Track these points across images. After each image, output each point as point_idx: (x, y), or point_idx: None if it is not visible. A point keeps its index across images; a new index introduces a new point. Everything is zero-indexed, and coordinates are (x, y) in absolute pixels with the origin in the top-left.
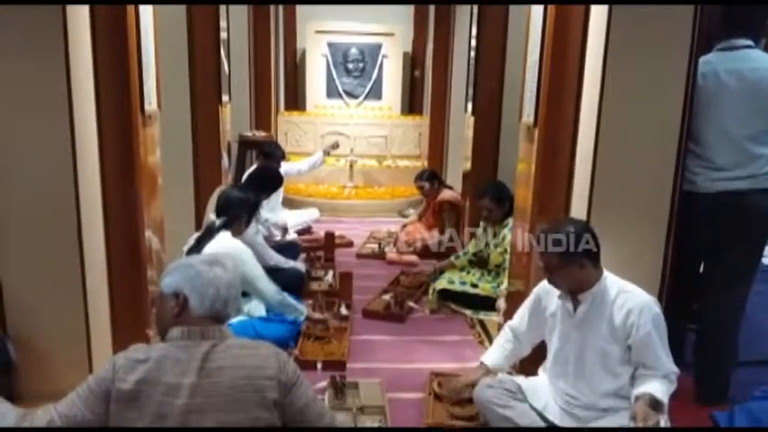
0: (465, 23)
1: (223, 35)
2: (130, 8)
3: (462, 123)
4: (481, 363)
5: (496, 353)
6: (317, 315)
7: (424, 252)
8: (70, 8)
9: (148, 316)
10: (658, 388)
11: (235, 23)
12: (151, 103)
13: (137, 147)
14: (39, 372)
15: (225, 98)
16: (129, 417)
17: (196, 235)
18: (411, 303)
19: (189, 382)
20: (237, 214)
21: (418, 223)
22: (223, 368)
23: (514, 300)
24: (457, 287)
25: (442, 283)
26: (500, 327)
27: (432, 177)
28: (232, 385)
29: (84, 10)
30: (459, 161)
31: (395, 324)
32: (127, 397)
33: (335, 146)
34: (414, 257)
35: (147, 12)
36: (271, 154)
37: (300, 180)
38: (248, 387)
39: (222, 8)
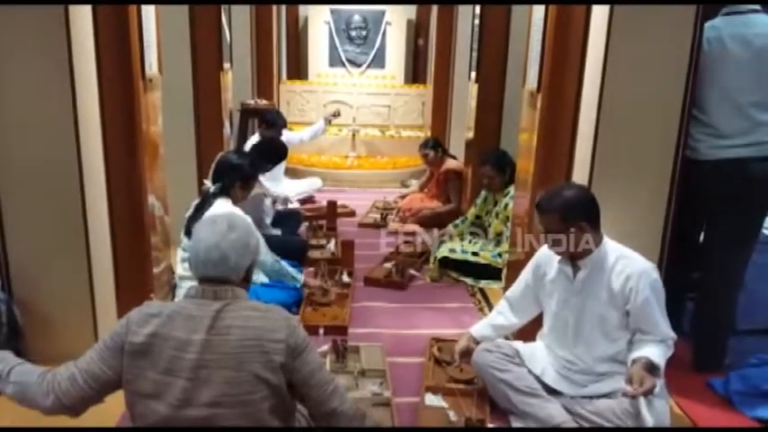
0: None
1: None
2: None
3: (466, 92)
4: (468, 332)
5: (485, 323)
6: (315, 282)
7: (425, 221)
8: None
9: (152, 280)
10: (655, 352)
11: None
12: (152, 67)
13: (138, 112)
14: (44, 335)
15: (226, 65)
16: (140, 369)
17: (196, 201)
18: (412, 271)
19: (199, 338)
20: (232, 181)
21: (419, 193)
22: (232, 327)
23: (515, 269)
24: (458, 255)
25: (443, 252)
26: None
27: (436, 145)
28: (239, 344)
29: None
30: (462, 131)
31: (396, 291)
32: (138, 349)
33: (337, 114)
34: (415, 227)
35: None
36: (272, 122)
37: (303, 149)
38: (256, 347)
39: None
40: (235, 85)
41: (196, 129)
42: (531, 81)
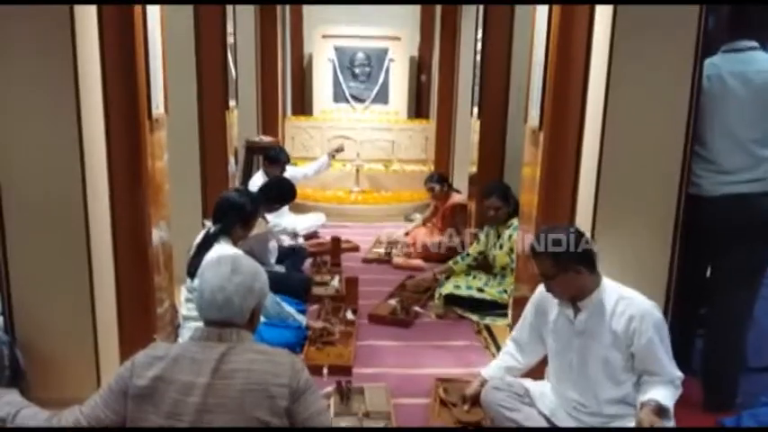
0: (471, 27)
1: (230, 40)
2: (138, 12)
3: (468, 127)
4: (480, 376)
5: (497, 365)
6: (317, 324)
7: (430, 256)
8: (78, 12)
9: (155, 321)
10: (663, 394)
11: (242, 28)
12: (158, 107)
13: (144, 152)
14: (46, 377)
15: (232, 103)
16: (144, 412)
17: (198, 240)
18: (417, 308)
19: (203, 381)
20: (232, 221)
21: (423, 228)
22: (237, 371)
23: (521, 305)
24: (463, 292)
25: (447, 288)
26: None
27: (441, 180)
28: (244, 389)
29: (92, 14)
30: (465, 165)
31: (401, 329)
32: (142, 393)
33: (340, 149)
34: (420, 262)
35: (154, 16)
36: (275, 159)
37: (307, 185)
38: (260, 392)
39: (230, 12)
40: (240, 122)
41: (201, 166)
42: (533, 119)
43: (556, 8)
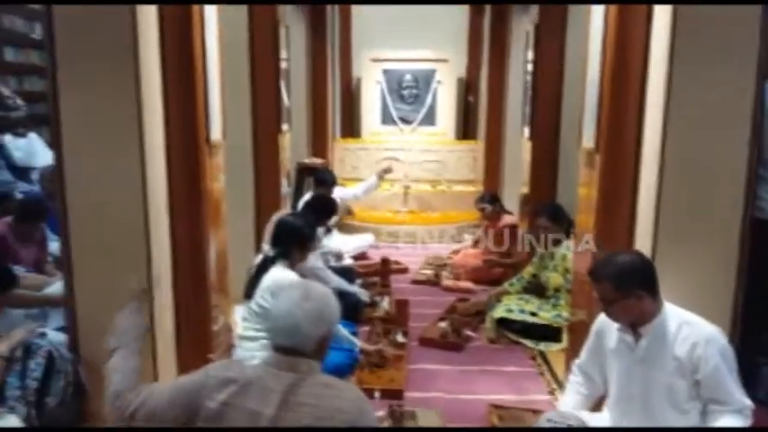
0: (520, 47)
1: (283, 65)
2: (198, 42)
3: (518, 147)
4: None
5: (572, 399)
6: (370, 347)
7: (480, 278)
8: (142, 44)
9: (212, 340)
10: (733, 424)
11: (294, 54)
12: (216, 133)
13: (203, 176)
14: (106, 395)
15: (284, 127)
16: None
17: (257, 262)
18: (468, 332)
19: (270, 413)
20: (290, 245)
21: (472, 249)
22: (304, 405)
23: (578, 330)
24: (515, 315)
25: (499, 312)
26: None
27: (493, 200)
28: (310, 424)
29: (155, 44)
30: (515, 185)
31: (452, 353)
32: (213, 415)
33: (389, 170)
34: (470, 284)
35: (213, 45)
36: (322, 181)
37: (355, 205)
38: (326, 429)
39: (283, 38)
40: (292, 145)
41: (255, 188)
42: (588, 140)
43: (611, 27)
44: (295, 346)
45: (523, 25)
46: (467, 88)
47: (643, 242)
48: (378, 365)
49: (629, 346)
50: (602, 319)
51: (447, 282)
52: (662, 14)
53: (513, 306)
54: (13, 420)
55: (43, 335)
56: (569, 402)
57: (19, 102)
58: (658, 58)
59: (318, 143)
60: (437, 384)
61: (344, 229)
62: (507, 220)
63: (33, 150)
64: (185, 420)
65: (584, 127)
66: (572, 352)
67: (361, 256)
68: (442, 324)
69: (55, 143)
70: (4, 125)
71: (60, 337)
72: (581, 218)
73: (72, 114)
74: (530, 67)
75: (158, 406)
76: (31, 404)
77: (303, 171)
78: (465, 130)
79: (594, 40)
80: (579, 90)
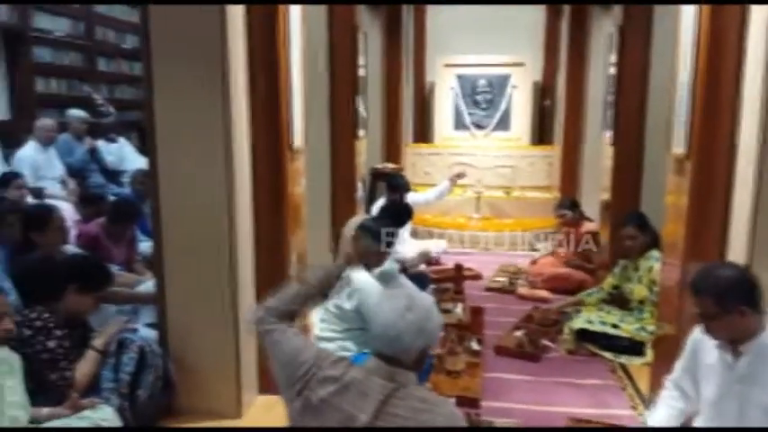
0: (601, 49)
1: (360, 72)
2: (282, 49)
3: (598, 152)
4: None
5: (665, 413)
6: (438, 350)
7: (557, 287)
8: (231, 56)
9: None
10: None
11: (371, 61)
12: (298, 140)
13: (285, 180)
14: (192, 390)
15: (361, 132)
16: (306, 422)
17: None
18: (545, 341)
19: (364, 418)
20: (366, 252)
21: (550, 257)
22: (398, 416)
23: (664, 345)
24: (596, 327)
25: (578, 323)
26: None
27: (573, 206)
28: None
29: (242, 58)
30: (594, 192)
31: (528, 363)
32: (312, 408)
33: (461, 175)
34: (546, 293)
35: (296, 53)
36: (395, 186)
37: (428, 211)
38: None
39: (361, 45)
40: (367, 150)
41: (331, 193)
42: (677, 145)
43: (704, 28)
44: (395, 356)
45: (605, 27)
46: (543, 92)
47: (736, 254)
48: (452, 372)
49: (728, 363)
50: (697, 333)
51: (522, 290)
52: (758, 14)
53: (594, 317)
54: (108, 411)
55: (135, 330)
56: (662, 417)
57: (110, 109)
58: (754, 60)
59: (391, 148)
60: (513, 395)
61: (416, 234)
62: (588, 226)
63: (123, 155)
64: (289, 373)
65: (672, 132)
66: (657, 367)
67: (433, 262)
68: (518, 333)
69: (150, 148)
70: (97, 131)
71: (150, 333)
72: (669, 227)
73: (165, 120)
74: (612, 69)
75: (290, 342)
76: (124, 396)
77: (376, 176)
78: (540, 134)
79: (684, 41)
80: (666, 93)
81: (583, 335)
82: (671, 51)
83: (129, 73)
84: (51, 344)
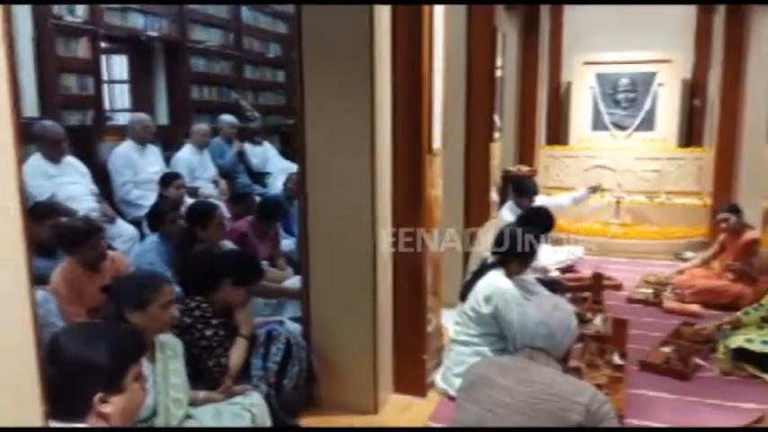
0: (759, 47)
1: (498, 73)
2: (427, 57)
3: (759, 156)
4: None
5: None
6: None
7: (708, 302)
8: (378, 64)
9: (425, 342)
10: None
11: (508, 61)
12: (437, 142)
13: (424, 183)
14: (333, 383)
15: (496, 135)
16: (462, 399)
17: (473, 267)
18: (697, 360)
19: (504, 383)
20: (511, 255)
21: (701, 268)
22: (536, 382)
23: None
24: (756, 347)
25: (737, 341)
26: None
27: (735, 211)
28: (539, 397)
29: (387, 64)
30: (755, 199)
31: (677, 382)
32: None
33: (598, 188)
34: (697, 307)
35: (438, 56)
36: (522, 189)
37: (562, 216)
38: (555, 403)
39: (499, 46)
40: (500, 153)
41: (465, 194)
42: None
43: None
44: (545, 348)
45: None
46: (692, 91)
47: None
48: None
49: None
50: None
51: (669, 303)
52: None
53: (754, 336)
54: (257, 398)
55: (282, 323)
56: None
57: (256, 114)
58: None
59: (524, 150)
60: (660, 414)
61: (550, 240)
62: (750, 234)
63: (267, 157)
64: None
65: None
66: None
67: (568, 269)
68: (666, 349)
69: (299, 151)
70: (244, 134)
71: (295, 327)
72: None
73: (314, 124)
74: None
75: None
76: (271, 385)
77: (508, 179)
78: (689, 136)
79: None
80: None
81: (740, 354)
82: None
83: (272, 80)
84: (209, 332)
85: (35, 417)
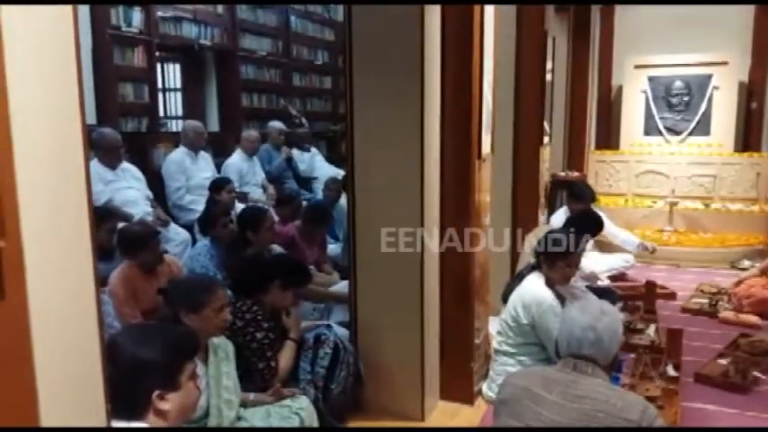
0: None
1: (548, 77)
2: (477, 60)
3: None
4: None
5: None
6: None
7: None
8: (428, 70)
9: (472, 351)
10: None
11: (558, 64)
12: (486, 147)
13: (472, 190)
14: (380, 389)
15: (546, 139)
16: (503, 413)
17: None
18: (756, 373)
19: (551, 399)
20: (554, 260)
21: (760, 278)
22: (585, 398)
23: None
24: None
25: None
26: None
27: None
28: (589, 413)
29: (437, 69)
30: None
31: (735, 395)
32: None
33: (652, 250)
34: (755, 318)
35: (488, 61)
36: (580, 195)
37: (613, 222)
38: (605, 420)
39: (549, 50)
40: (550, 157)
41: (512, 200)
42: None
43: None
44: (593, 355)
45: None
46: (749, 94)
47: None
48: (647, 398)
49: None
50: None
51: (726, 313)
52: None
53: None
54: (305, 401)
55: (329, 327)
56: None
57: (303, 120)
58: None
59: (574, 155)
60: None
61: (601, 247)
62: None
63: (314, 163)
64: None
65: None
66: None
67: (619, 277)
68: (723, 361)
69: (348, 158)
70: (292, 140)
71: (343, 331)
72: None
73: (363, 131)
74: None
75: None
76: (319, 389)
77: (557, 184)
78: (746, 140)
79: None
80: None
81: None
82: None
83: (319, 87)
84: (259, 335)
85: (100, 415)
